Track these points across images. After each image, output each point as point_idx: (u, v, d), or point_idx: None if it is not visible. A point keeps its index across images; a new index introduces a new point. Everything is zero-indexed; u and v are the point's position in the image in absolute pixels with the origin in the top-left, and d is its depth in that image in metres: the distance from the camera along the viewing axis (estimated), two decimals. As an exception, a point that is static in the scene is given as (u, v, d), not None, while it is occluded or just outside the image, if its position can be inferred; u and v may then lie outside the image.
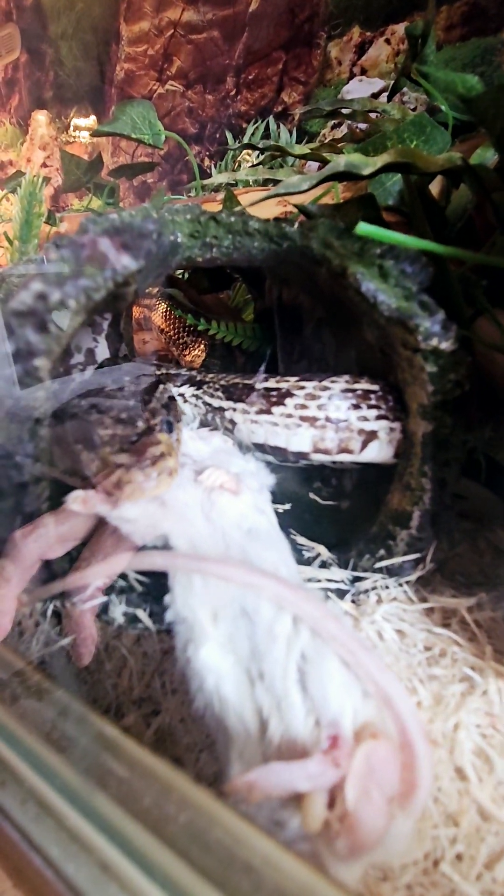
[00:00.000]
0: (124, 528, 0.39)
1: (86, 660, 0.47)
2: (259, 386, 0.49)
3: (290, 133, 1.64)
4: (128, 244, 0.34)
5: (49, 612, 0.50)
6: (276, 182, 1.20)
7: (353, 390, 0.47)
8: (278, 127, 1.66)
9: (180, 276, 1.18)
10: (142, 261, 0.35)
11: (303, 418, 0.47)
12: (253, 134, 1.71)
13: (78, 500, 0.39)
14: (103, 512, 0.39)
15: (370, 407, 0.48)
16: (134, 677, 0.51)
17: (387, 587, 0.47)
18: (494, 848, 0.33)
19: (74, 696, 0.40)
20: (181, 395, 0.55)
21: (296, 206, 0.72)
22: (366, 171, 0.60)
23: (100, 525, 0.44)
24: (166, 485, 0.37)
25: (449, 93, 0.58)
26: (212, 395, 0.52)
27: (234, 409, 0.50)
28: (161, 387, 0.48)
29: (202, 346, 1.16)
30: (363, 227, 0.41)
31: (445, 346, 0.40)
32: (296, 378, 0.48)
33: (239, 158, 1.72)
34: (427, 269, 0.42)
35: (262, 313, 0.96)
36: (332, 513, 0.64)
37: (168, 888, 0.24)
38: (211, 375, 0.55)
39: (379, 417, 0.48)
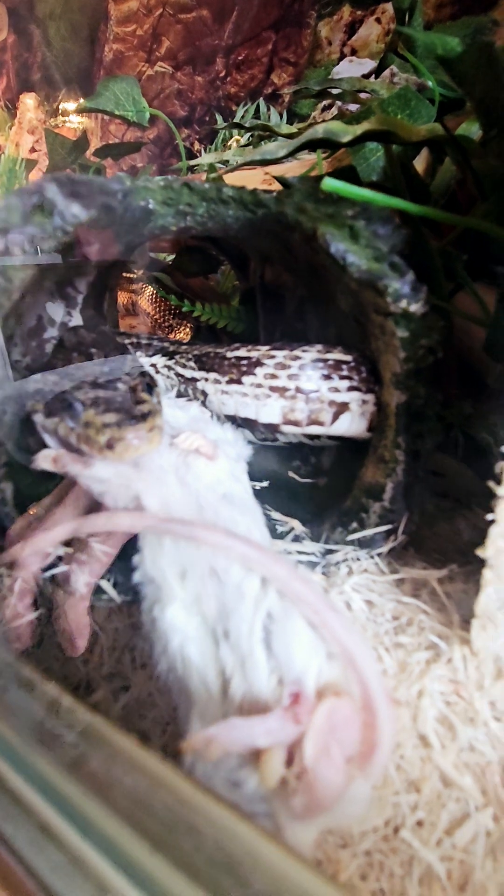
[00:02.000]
0: (96, 488, 0.38)
1: (80, 648, 0.44)
2: (230, 355, 0.48)
3: (280, 115, 1.61)
4: (79, 193, 0.33)
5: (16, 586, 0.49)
6: (266, 162, 1.18)
7: (325, 360, 0.46)
8: (268, 109, 1.63)
9: (167, 260, 1.17)
10: (93, 212, 0.34)
11: (272, 388, 0.46)
12: (242, 117, 1.68)
13: (48, 460, 0.38)
14: (74, 472, 0.38)
15: (342, 378, 0.47)
16: (105, 653, 0.51)
17: (358, 559, 0.47)
18: (455, 814, 0.32)
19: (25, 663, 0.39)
20: (153, 365, 0.53)
21: (275, 177, 0.70)
22: (345, 139, 0.59)
23: (61, 487, 0.43)
24: (157, 441, 0.37)
25: (429, 54, 0.57)
26: (184, 366, 0.51)
27: (206, 380, 0.49)
28: (129, 357, 0.47)
29: (187, 329, 1.15)
30: (328, 182, 0.40)
31: (415, 308, 0.39)
32: (267, 347, 0.47)
33: (229, 143, 1.69)
34: (400, 231, 0.41)
35: (247, 295, 0.94)
36: (310, 490, 0.63)
37: (107, 849, 0.23)
38: (184, 346, 0.53)
39: (351, 389, 0.47)
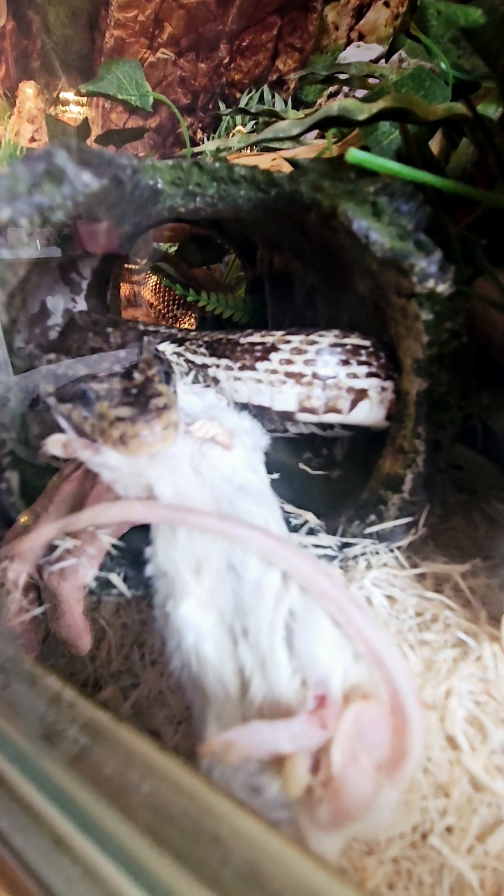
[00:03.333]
0: (106, 475, 0.36)
1: (84, 645, 0.41)
2: (243, 341, 0.46)
3: (286, 102, 1.58)
4: (89, 161, 0.31)
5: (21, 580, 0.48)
6: (270, 149, 1.16)
7: (343, 345, 0.44)
8: (273, 96, 1.60)
9: (170, 251, 1.14)
10: (106, 181, 0.32)
11: (288, 374, 0.44)
12: (247, 104, 1.65)
13: (58, 445, 0.37)
14: (85, 458, 0.36)
15: (360, 363, 0.45)
16: (113, 649, 0.49)
17: (377, 553, 0.45)
18: (487, 820, 0.31)
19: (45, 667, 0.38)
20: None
21: (286, 159, 0.68)
22: (360, 117, 0.57)
23: (64, 474, 0.41)
24: (172, 439, 0.35)
25: (450, 26, 0.55)
26: (194, 353, 0.49)
27: (218, 366, 0.47)
28: (146, 339, 0.45)
29: (192, 320, 1.13)
30: (353, 154, 0.38)
31: (442, 288, 0.37)
32: (281, 332, 0.45)
33: (234, 131, 1.66)
34: (424, 209, 0.39)
35: (254, 284, 0.92)
36: (323, 482, 0.61)
37: (126, 863, 0.21)
38: (193, 332, 0.51)
39: (369, 375, 0.45)
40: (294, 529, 0.50)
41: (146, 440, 0.34)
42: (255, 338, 0.46)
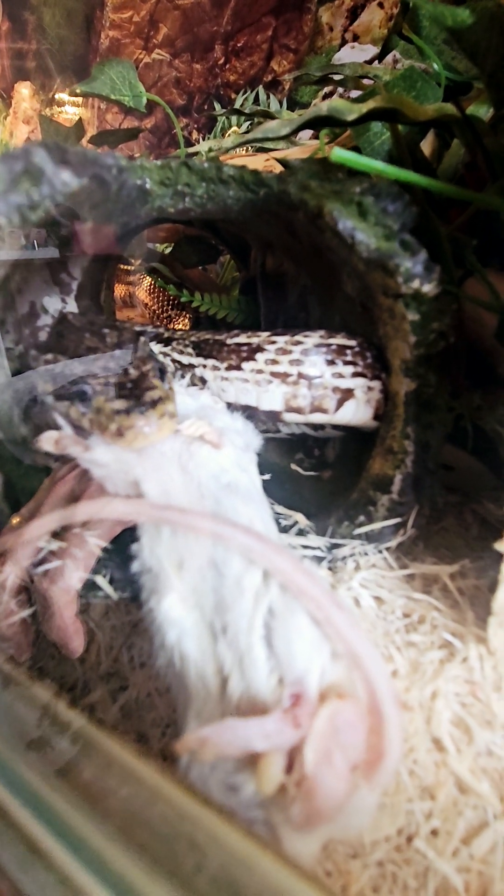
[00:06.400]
0: (95, 472, 0.37)
1: (76, 648, 0.41)
2: (230, 341, 0.46)
3: (280, 103, 1.58)
4: (69, 161, 0.30)
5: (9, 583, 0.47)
6: (264, 150, 1.16)
7: (328, 345, 0.44)
8: (268, 97, 1.60)
9: (164, 251, 1.14)
10: (86, 181, 0.31)
11: (274, 374, 0.44)
12: (242, 105, 1.65)
13: (51, 441, 0.37)
14: (75, 454, 0.37)
15: (346, 363, 0.44)
16: (102, 652, 0.49)
17: (366, 554, 0.45)
18: (472, 822, 0.31)
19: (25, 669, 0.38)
20: (149, 353, 0.51)
21: (277, 159, 0.68)
22: (350, 117, 0.56)
23: (57, 476, 0.41)
24: (168, 429, 0.36)
25: (438, 25, 0.54)
26: (181, 352, 0.49)
27: (205, 366, 0.47)
28: (142, 338, 0.46)
29: (186, 320, 1.13)
30: (337, 153, 0.38)
31: (428, 289, 0.37)
32: (267, 333, 0.45)
33: (229, 132, 1.66)
34: (411, 209, 0.39)
35: (248, 285, 0.92)
36: (314, 483, 0.61)
37: (100, 868, 0.21)
38: (180, 332, 0.51)
39: (355, 374, 0.45)
40: (284, 530, 0.50)
41: (142, 431, 0.35)
42: (242, 338, 0.46)
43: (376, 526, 0.45)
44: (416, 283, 0.37)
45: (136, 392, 0.37)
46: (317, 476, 0.61)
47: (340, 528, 0.47)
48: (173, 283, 1.02)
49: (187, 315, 1.13)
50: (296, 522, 0.50)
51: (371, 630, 0.38)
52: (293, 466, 0.62)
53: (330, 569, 0.45)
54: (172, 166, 0.48)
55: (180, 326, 1.13)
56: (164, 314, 1.18)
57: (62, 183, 0.30)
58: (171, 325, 1.14)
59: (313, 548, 0.46)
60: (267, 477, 0.50)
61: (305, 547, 0.46)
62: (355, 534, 0.46)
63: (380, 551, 0.45)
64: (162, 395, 0.36)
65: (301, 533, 0.48)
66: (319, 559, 0.46)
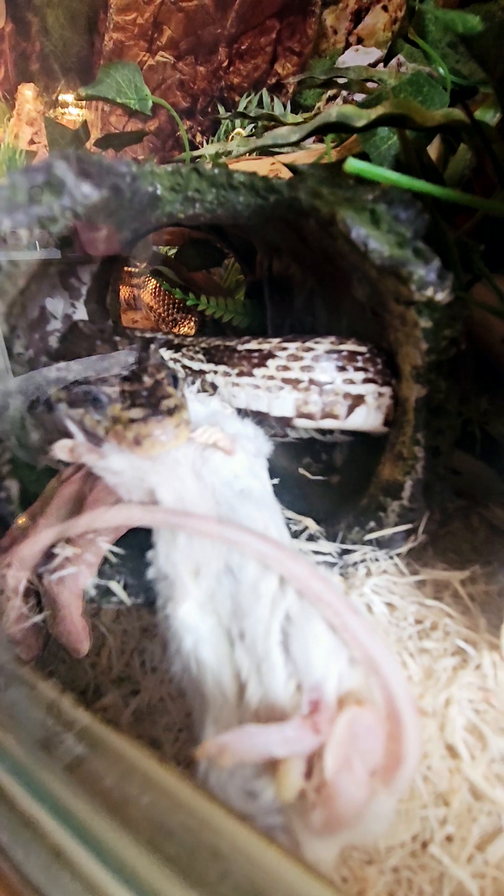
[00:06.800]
0: (110, 479, 0.37)
1: (83, 649, 0.41)
2: (240, 347, 0.46)
3: (284, 106, 1.58)
4: (89, 172, 0.31)
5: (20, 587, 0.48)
6: (270, 153, 1.16)
7: (339, 351, 0.44)
8: (272, 100, 1.60)
9: (169, 254, 1.14)
10: (105, 192, 0.32)
11: (285, 380, 0.44)
12: (246, 107, 1.65)
13: (65, 450, 0.37)
14: (90, 462, 0.37)
15: (357, 369, 0.45)
16: (113, 656, 0.49)
17: (376, 560, 0.45)
18: (487, 828, 0.31)
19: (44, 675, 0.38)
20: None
21: (285, 164, 0.68)
22: (359, 123, 0.57)
23: (62, 477, 0.42)
24: (184, 437, 0.36)
25: (448, 32, 0.55)
26: (191, 359, 0.49)
27: (216, 373, 0.47)
28: (152, 346, 0.46)
29: (192, 324, 1.13)
30: (352, 163, 0.38)
31: (441, 296, 0.37)
32: (278, 339, 0.45)
33: (232, 134, 1.66)
34: (423, 216, 0.39)
35: (253, 288, 0.92)
36: (322, 488, 0.61)
37: (126, 877, 0.21)
38: (189, 339, 0.51)
39: (366, 381, 0.45)
40: (294, 535, 0.50)
41: (159, 439, 0.35)
42: (253, 345, 0.46)
43: (387, 532, 0.45)
44: (429, 291, 0.37)
45: (151, 400, 0.37)
46: (325, 481, 0.61)
47: (351, 534, 0.47)
48: (178, 286, 1.03)
49: (192, 318, 1.13)
50: (306, 528, 0.50)
51: (384, 636, 0.38)
52: (301, 471, 0.62)
53: (341, 574, 0.45)
54: (183, 172, 0.48)
55: (185, 330, 1.14)
56: (170, 317, 1.18)
57: (83, 195, 0.30)
58: (177, 329, 1.14)
59: (324, 553, 0.46)
60: (275, 482, 0.51)
61: (316, 552, 0.46)
62: (366, 539, 0.46)
63: (391, 557, 0.45)
64: (178, 403, 0.37)
65: (311, 538, 0.49)
66: (330, 565, 0.46)
